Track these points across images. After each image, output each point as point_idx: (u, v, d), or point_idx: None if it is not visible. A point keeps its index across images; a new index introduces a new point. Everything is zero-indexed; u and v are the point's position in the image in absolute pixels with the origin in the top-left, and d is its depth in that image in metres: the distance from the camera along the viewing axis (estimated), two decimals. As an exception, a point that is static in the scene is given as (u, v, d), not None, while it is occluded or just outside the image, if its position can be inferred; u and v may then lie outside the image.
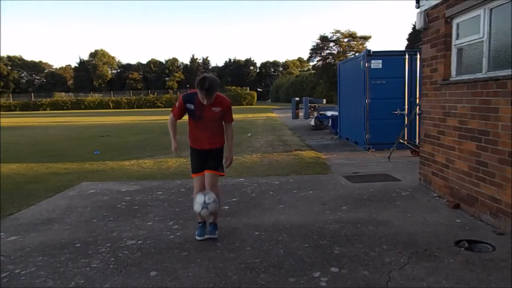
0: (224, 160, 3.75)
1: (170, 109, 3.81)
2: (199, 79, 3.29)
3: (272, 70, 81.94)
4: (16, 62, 72.23)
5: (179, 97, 3.68)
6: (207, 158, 3.66)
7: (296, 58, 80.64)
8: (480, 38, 4.11)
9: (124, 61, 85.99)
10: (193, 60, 78.94)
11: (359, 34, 40.84)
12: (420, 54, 8.05)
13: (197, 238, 3.66)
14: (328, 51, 42.63)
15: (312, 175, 6.49)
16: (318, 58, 43.96)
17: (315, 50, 43.16)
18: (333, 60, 39.41)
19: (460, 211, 4.33)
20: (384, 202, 4.75)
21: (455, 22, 4.62)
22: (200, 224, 3.76)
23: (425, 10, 5.13)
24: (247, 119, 20.99)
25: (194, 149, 3.71)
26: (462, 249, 3.29)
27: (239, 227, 3.93)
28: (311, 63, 50.58)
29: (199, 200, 3.47)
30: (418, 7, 5.33)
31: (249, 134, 13.00)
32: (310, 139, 12.05)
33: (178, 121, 3.71)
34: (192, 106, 3.49)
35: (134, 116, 30.79)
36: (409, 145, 8.19)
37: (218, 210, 3.73)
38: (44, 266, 3.17)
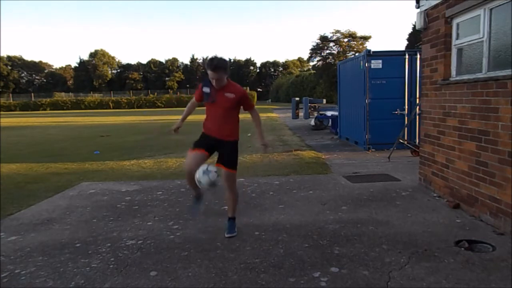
0: (263, 147, 3.89)
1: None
2: (208, 59, 3.46)
3: (272, 70, 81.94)
4: (16, 62, 72.23)
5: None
6: (219, 150, 3.67)
7: (296, 58, 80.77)
8: (480, 38, 4.11)
9: (124, 61, 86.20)
10: (193, 60, 78.94)
11: (359, 34, 40.94)
12: (420, 54, 8.05)
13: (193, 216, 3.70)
14: (328, 51, 42.68)
15: (312, 175, 6.49)
16: (318, 58, 44.03)
17: (315, 50, 43.20)
18: (333, 60, 39.44)
19: (460, 211, 4.33)
20: (384, 202, 4.75)
21: (455, 22, 4.62)
22: (194, 199, 3.82)
23: (425, 10, 5.13)
24: (247, 119, 20.98)
25: (205, 133, 3.72)
26: (462, 249, 3.29)
27: (239, 227, 3.92)
28: (311, 63, 50.74)
29: (200, 169, 3.42)
30: (418, 7, 5.32)
31: (249, 134, 12.98)
32: (310, 139, 12.05)
33: (185, 121, 3.90)
34: (208, 90, 3.61)
35: (134, 116, 30.76)
36: (409, 145, 8.19)
37: (236, 200, 3.81)
38: (44, 266, 3.17)
